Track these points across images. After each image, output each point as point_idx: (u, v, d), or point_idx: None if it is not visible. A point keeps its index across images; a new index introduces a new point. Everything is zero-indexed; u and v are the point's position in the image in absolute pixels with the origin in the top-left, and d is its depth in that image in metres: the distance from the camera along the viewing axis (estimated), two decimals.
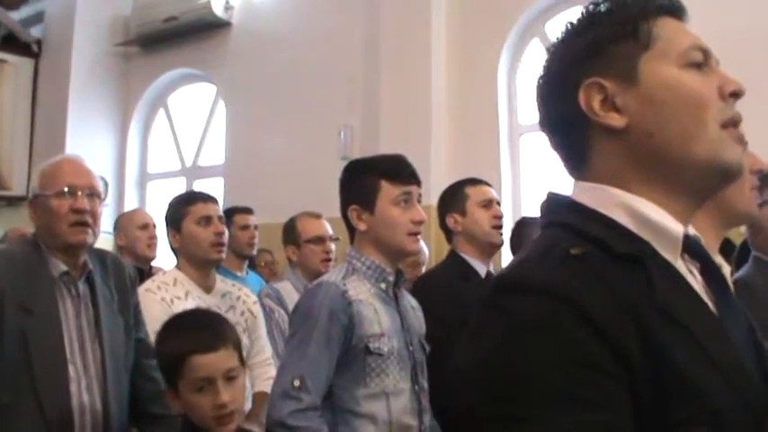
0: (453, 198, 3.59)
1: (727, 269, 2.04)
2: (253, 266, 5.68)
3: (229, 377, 2.31)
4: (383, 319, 2.67)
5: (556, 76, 1.28)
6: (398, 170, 2.77)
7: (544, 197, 1.29)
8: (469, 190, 3.60)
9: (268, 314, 4.04)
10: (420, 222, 2.74)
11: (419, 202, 2.80)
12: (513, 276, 1.14)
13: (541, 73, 1.31)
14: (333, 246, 4.42)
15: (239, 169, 7.61)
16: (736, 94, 1.23)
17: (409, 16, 6.56)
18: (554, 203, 1.28)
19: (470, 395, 1.07)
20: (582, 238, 1.14)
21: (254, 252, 5.36)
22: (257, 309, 3.73)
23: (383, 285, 2.73)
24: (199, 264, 3.56)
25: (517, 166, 6.41)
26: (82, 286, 2.82)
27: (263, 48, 7.53)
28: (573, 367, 1.00)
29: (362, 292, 2.66)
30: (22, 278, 2.70)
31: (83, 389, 2.72)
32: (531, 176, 6.34)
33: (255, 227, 5.16)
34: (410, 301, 2.91)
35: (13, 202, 8.03)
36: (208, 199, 3.66)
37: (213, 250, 3.53)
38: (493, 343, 1.05)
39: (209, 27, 7.91)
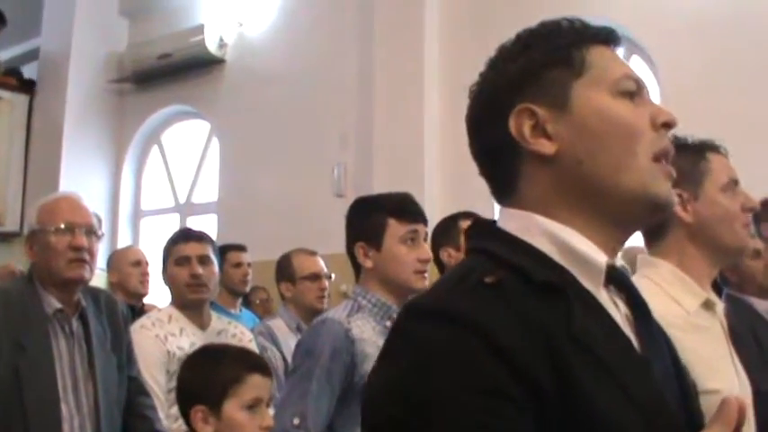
0: (447, 232, 3.52)
1: (720, 307, 2.04)
2: (247, 304, 5.68)
3: (269, 404, 2.41)
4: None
5: (487, 101, 1.25)
6: (406, 208, 2.77)
7: (471, 222, 1.30)
8: (463, 224, 3.49)
9: (261, 352, 4.03)
10: (427, 261, 2.75)
11: (426, 240, 2.81)
12: (423, 303, 1.13)
13: (473, 97, 1.29)
14: (327, 283, 4.42)
15: (233, 206, 7.61)
16: (668, 125, 1.22)
17: (402, 53, 6.61)
18: (478, 229, 1.27)
19: (378, 422, 1.05)
20: (500, 266, 1.11)
21: (248, 289, 5.37)
22: (253, 346, 3.72)
23: (388, 323, 2.71)
24: (182, 303, 3.56)
25: None
26: (75, 324, 2.83)
27: (257, 85, 7.56)
28: (477, 396, 0.98)
29: (366, 331, 2.64)
30: (18, 315, 2.70)
31: (75, 428, 2.71)
32: None
33: (249, 264, 5.16)
34: None
35: (6, 237, 8.01)
36: (189, 238, 3.66)
37: (188, 291, 3.52)
38: (398, 369, 1.04)
39: (203, 64, 7.94)
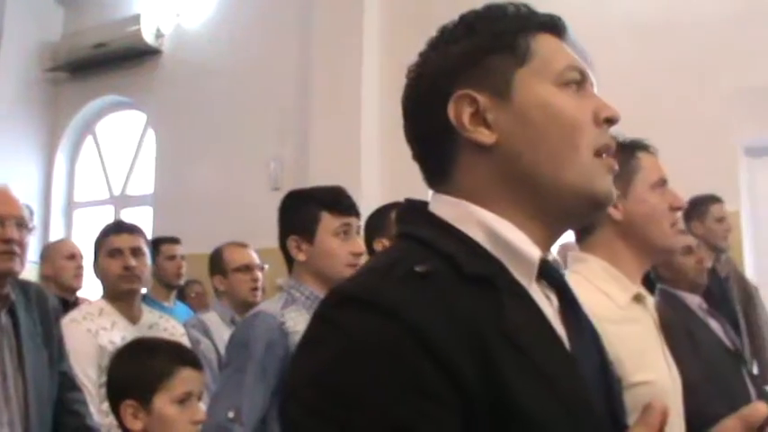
0: (380, 223, 3.42)
1: (650, 301, 2.07)
2: (182, 297, 5.63)
3: (200, 399, 2.37)
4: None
5: (426, 84, 1.20)
6: (339, 201, 2.77)
7: (402, 205, 1.24)
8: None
9: (194, 345, 4.00)
10: (359, 254, 2.74)
11: (358, 233, 2.80)
12: (350, 290, 1.07)
13: (411, 78, 1.24)
14: (260, 274, 4.40)
15: (168, 199, 7.55)
16: (611, 121, 1.19)
17: (342, 49, 6.61)
18: (410, 212, 1.22)
19: (297, 412, 1.01)
20: (432, 254, 1.07)
21: (182, 282, 5.32)
22: (185, 341, 3.68)
23: None
24: (114, 296, 3.52)
25: None
26: (4, 317, 2.77)
27: (194, 77, 7.50)
28: (403, 391, 0.95)
29: (301, 323, 2.62)
30: None
31: (4, 423, 2.66)
32: None
33: (183, 257, 5.12)
34: None
35: None
36: (122, 230, 3.62)
37: (121, 282, 3.49)
38: (325, 359, 1.00)
39: (139, 54, 7.85)
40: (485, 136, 1.15)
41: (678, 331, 3.19)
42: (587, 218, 1.25)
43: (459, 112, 1.16)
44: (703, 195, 4.78)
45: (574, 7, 6.16)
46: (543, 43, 1.19)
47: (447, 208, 1.17)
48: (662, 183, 2.07)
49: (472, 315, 1.01)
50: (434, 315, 0.99)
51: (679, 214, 2.11)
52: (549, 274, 1.19)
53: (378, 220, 3.42)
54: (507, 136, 1.15)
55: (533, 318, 1.11)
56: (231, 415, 2.49)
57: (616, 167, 1.20)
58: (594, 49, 6.00)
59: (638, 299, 2.01)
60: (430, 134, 1.20)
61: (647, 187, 2.04)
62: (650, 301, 2.06)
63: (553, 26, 1.23)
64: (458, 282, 1.04)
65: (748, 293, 4.85)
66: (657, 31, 6.05)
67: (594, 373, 1.20)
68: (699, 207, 4.75)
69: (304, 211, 2.76)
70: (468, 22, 1.21)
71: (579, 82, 1.19)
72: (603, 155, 1.18)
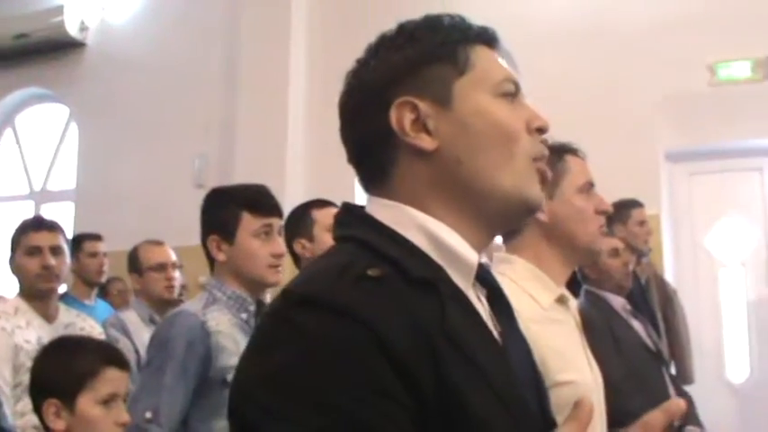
0: (299, 223, 3.37)
1: (573, 302, 2.09)
2: (104, 294, 5.54)
3: (125, 399, 2.33)
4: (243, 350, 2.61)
5: (367, 90, 1.23)
6: (260, 201, 2.72)
7: (341, 208, 1.26)
8: (316, 213, 3.41)
9: (112, 344, 3.93)
10: (280, 255, 2.71)
11: (281, 234, 2.77)
12: (308, 291, 1.07)
13: (351, 84, 1.26)
14: (176, 273, 4.35)
15: (91, 194, 7.41)
16: (542, 130, 1.24)
17: (269, 45, 6.59)
18: (351, 216, 1.24)
19: (253, 413, 1.01)
20: (379, 258, 1.10)
21: (104, 280, 5.23)
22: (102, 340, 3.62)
23: (244, 316, 2.67)
24: (31, 294, 3.43)
25: None
26: None
27: (119, 70, 7.39)
28: (362, 392, 0.97)
29: (223, 323, 2.60)
30: None
31: None
32: None
33: (105, 254, 5.02)
34: None
35: None
36: (41, 227, 3.53)
37: (39, 282, 3.41)
38: (283, 360, 1.00)
39: (62, 47, 7.70)
40: (426, 142, 1.17)
41: (602, 331, 3.25)
42: (519, 222, 1.30)
43: (400, 118, 1.18)
44: (626, 199, 4.87)
45: (503, 14, 6.25)
46: (481, 55, 1.23)
47: (386, 212, 1.19)
48: (589, 186, 2.09)
49: (420, 317, 1.04)
50: (388, 317, 1.01)
51: (604, 218, 2.12)
52: (483, 277, 1.24)
53: (296, 220, 3.36)
54: (447, 142, 1.18)
55: (472, 320, 1.14)
56: (149, 415, 2.45)
57: (549, 174, 1.25)
58: (522, 54, 6.07)
59: (561, 300, 2.03)
60: (370, 139, 1.22)
61: (573, 190, 2.05)
62: (573, 302, 2.08)
63: (489, 38, 1.27)
64: (405, 285, 1.07)
65: (667, 296, 4.96)
66: (585, 39, 6.18)
67: (526, 371, 1.25)
68: (621, 211, 4.83)
69: (224, 210, 2.72)
70: (409, 32, 1.24)
71: (514, 93, 1.23)
72: (536, 162, 1.22)
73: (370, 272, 1.06)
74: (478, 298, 1.22)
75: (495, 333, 1.19)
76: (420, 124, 1.18)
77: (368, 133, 1.22)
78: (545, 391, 1.33)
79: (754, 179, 6.24)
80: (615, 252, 3.70)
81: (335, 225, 1.26)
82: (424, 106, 1.18)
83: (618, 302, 3.60)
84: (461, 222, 1.19)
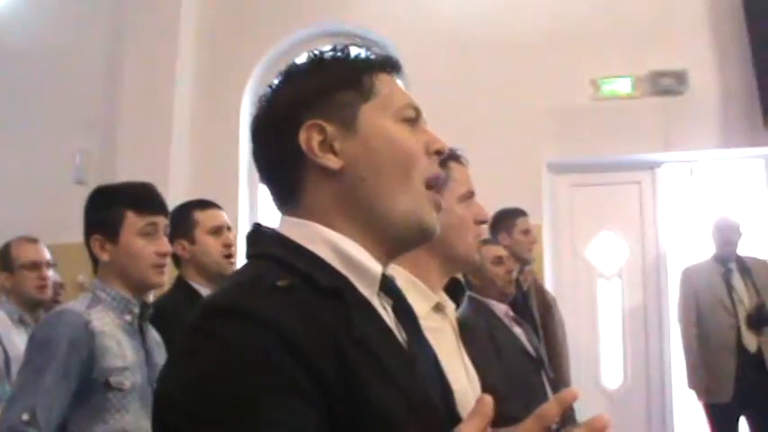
0: (181, 223, 3.27)
1: (451, 307, 2.10)
2: None
3: None
4: (127, 352, 2.53)
5: (278, 113, 1.30)
6: (145, 200, 2.65)
7: (251, 228, 1.32)
8: (199, 215, 3.36)
9: None
10: (165, 254, 2.65)
11: (166, 233, 2.70)
12: (221, 302, 1.15)
13: (263, 107, 1.33)
14: (50, 272, 4.20)
15: None
16: (440, 153, 1.33)
17: (156, 43, 6.50)
18: (261, 235, 1.29)
19: (177, 418, 1.06)
20: (288, 271, 1.16)
21: None
22: None
23: (128, 317, 2.60)
24: None
25: (255, 198, 6.44)
26: None
27: None
28: (276, 393, 1.02)
29: (107, 324, 2.52)
30: None
31: None
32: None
33: None
34: (155, 337, 2.77)
35: None
36: None
37: None
38: (201, 367, 1.06)
39: None
40: (332, 161, 1.25)
41: (482, 337, 3.29)
42: (414, 244, 1.35)
43: (309, 139, 1.26)
44: (510, 208, 4.94)
45: (396, 21, 6.31)
46: (385, 82, 1.33)
47: (295, 229, 1.26)
48: (469, 195, 2.11)
49: (328, 324, 1.11)
50: (299, 323, 1.07)
51: (483, 227, 2.14)
52: (387, 288, 1.31)
53: (178, 220, 3.25)
54: (352, 162, 1.26)
55: (377, 326, 1.22)
56: (26, 417, 2.36)
57: (442, 204, 1.35)
58: (414, 62, 6.18)
59: (438, 308, 2.03)
60: (280, 159, 1.29)
61: (455, 198, 2.06)
62: (451, 309, 2.08)
63: (392, 67, 1.36)
64: (314, 296, 1.14)
65: (547, 304, 5.05)
66: (475, 48, 6.29)
67: (432, 376, 1.34)
68: (506, 219, 4.90)
69: (108, 209, 2.64)
70: (319, 60, 1.33)
71: (414, 118, 1.33)
72: (433, 188, 1.32)
73: (279, 283, 1.13)
74: (384, 307, 1.29)
75: (401, 339, 1.27)
76: (327, 145, 1.26)
77: (278, 153, 1.29)
78: (451, 393, 1.42)
79: (632, 192, 6.45)
80: (499, 260, 3.74)
81: (247, 244, 1.30)
82: (331, 129, 1.26)
83: (500, 309, 3.64)
84: (364, 237, 1.27)
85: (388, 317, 1.28)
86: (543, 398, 3.51)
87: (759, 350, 5.29)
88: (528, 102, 6.19)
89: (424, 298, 1.99)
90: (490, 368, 3.16)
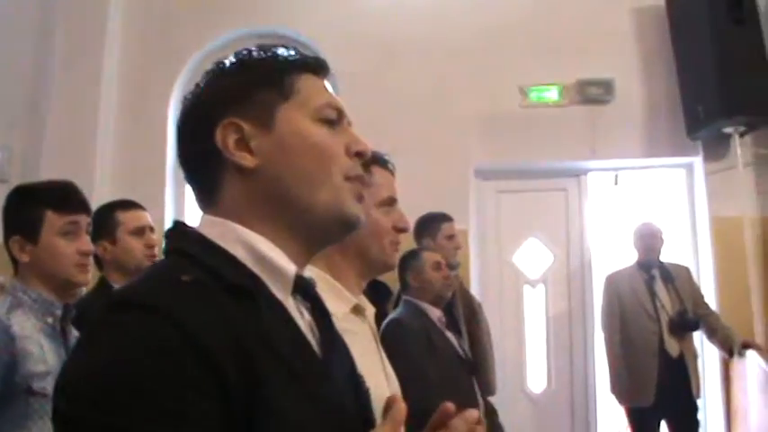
0: (103, 223, 3.24)
1: (371, 310, 2.08)
2: None
3: None
4: (50, 356, 2.47)
5: (198, 112, 1.31)
6: (65, 198, 2.60)
7: (171, 225, 1.32)
8: (121, 215, 3.33)
9: None
10: (87, 253, 2.60)
11: (88, 232, 2.65)
12: (125, 295, 1.16)
13: (185, 107, 1.34)
14: None
15: None
16: (361, 155, 1.35)
17: (83, 42, 6.39)
18: (178, 232, 1.29)
19: (79, 408, 1.04)
20: (197, 267, 1.17)
21: None
22: None
23: (50, 320, 2.54)
24: None
25: (182, 199, 6.39)
26: None
27: None
28: (175, 387, 1.02)
29: (27, 328, 2.45)
30: None
31: None
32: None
33: None
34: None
35: None
36: None
37: None
38: (102, 357, 1.05)
39: None
40: (247, 160, 1.26)
41: (420, 338, 3.32)
42: (337, 237, 1.36)
43: (225, 137, 1.27)
44: (435, 213, 4.96)
45: (324, 24, 6.30)
46: (306, 83, 1.34)
47: (211, 227, 1.26)
48: (390, 201, 2.09)
49: (233, 321, 1.10)
50: (200, 318, 1.07)
51: (402, 235, 2.13)
52: (304, 290, 1.31)
53: (101, 221, 3.21)
54: (268, 161, 1.27)
55: (287, 327, 1.21)
56: None
57: (365, 195, 1.36)
58: (342, 65, 6.19)
59: (356, 310, 2.01)
60: (199, 158, 1.30)
61: (374, 203, 2.04)
62: (370, 312, 2.06)
63: (316, 67, 1.38)
64: (220, 292, 1.14)
65: (473, 309, 5.07)
66: (404, 54, 6.30)
67: (347, 381, 1.34)
68: (430, 224, 4.92)
69: (27, 209, 2.58)
70: (242, 59, 1.34)
71: (336, 119, 1.34)
72: (355, 182, 1.33)
73: (184, 277, 1.13)
74: (299, 310, 1.28)
75: (314, 342, 1.26)
76: (243, 144, 1.27)
77: (197, 152, 1.30)
78: (367, 397, 1.40)
79: (558, 199, 6.52)
80: (438, 265, 3.81)
81: (165, 241, 1.31)
82: (247, 127, 1.27)
83: (435, 314, 3.69)
84: (283, 236, 1.27)
85: (303, 319, 1.28)
86: (474, 401, 3.55)
87: (681, 355, 5.39)
88: (456, 107, 6.23)
89: (341, 300, 1.97)
90: (428, 367, 3.18)
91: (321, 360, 1.24)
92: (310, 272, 1.97)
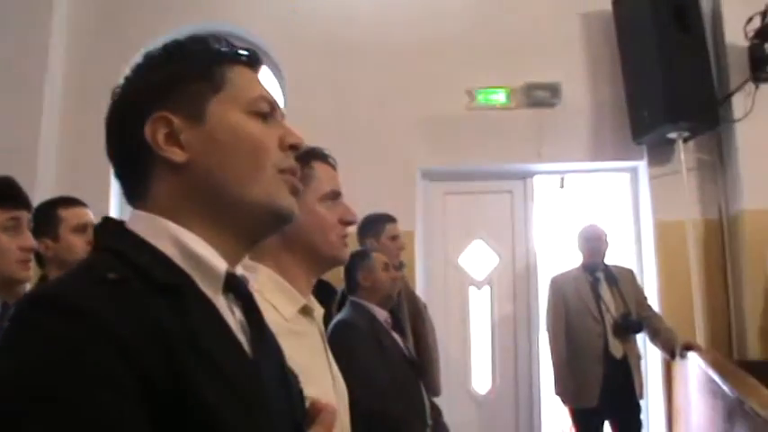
0: (45, 220, 3.15)
1: (319, 311, 2.05)
2: None
3: None
4: None
5: (127, 106, 1.27)
6: (5, 194, 2.55)
7: (99, 221, 1.28)
8: (63, 212, 3.26)
9: None
10: (29, 249, 2.55)
11: (30, 227, 2.59)
12: (47, 294, 1.09)
13: (114, 100, 1.30)
14: None
15: None
16: (295, 147, 1.32)
17: (28, 37, 6.30)
18: (106, 228, 1.26)
19: None
20: (124, 265, 1.13)
21: None
22: None
23: None
24: None
25: None
26: None
27: None
28: (96, 389, 0.98)
29: None
30: None
31: None
32: None
33: None
34: None
35: None
36: None
37: None
38: (17, 361, 1.01)
39: None
40: (177, 155, 1.22)
41: (369, 340, 3.31)
42: (271, 231, 1.33)
43: (154, 131, 1.22)
44: (379, 213, 4.95)
45: (272, 24, 6.26)
46: (238, 74, 1.31)
47: (141, 223, 1.23)
48: (334, 195, 2.07)
49: (160, 321, 1.06)
50: (125, 317, 1.03)
51: (349, 228, 2.11)
52: (237, 288, 1.27)
53: (42, 218, 3.12)
54: (199, 156, 1.23)
55: (217, 327, 1.17)
56: None
57: (299, 186, 1.32)
58: (290, 65, 6.17)
59: (305, 311, 1.99)
60: (129, 152, 1.26)
61: (316, 198, 2.03)
62: (318, 312, 2.04)
63: (249, 59, 1.35)
64: (148, 290, 1.10)
65: (418, 310, 5.06)
66: (353, 55, 6.30)
67: (276, 379, 1.30)
68: (374, 225, 4.91)
69: None
70: (171, 51, 1.30)
71: (269, 112, 1.31)
72: (288, 174, 1.30)
73: (109, 275, 1.08)
74: (230, 308, 1.25)
75: (245, 342, 1.22)
76: (173, 138, 1.23)
77: (126, 147, 1.26)
78: (298, 399, 1.38)
79: (504, 201, 6.54)
80: (386, 266, 3.79)
81: (94, 237, 1.28)
82: (177, 121, 1.23)
83: (382, 315, 3.68)
84: (213, 233, 1.24)
85: (234, 318, 1.25)
86: (420, 402, 3.54)
87: (625, 357, 5.44)
88: (403, 109, 6.24)
89: (290, 300, 1.94)
90: (378, 368, 3.18)
91: (251, 360, 1.21)
92: (260, 271, 1.96)
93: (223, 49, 1.32)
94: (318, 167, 2.07)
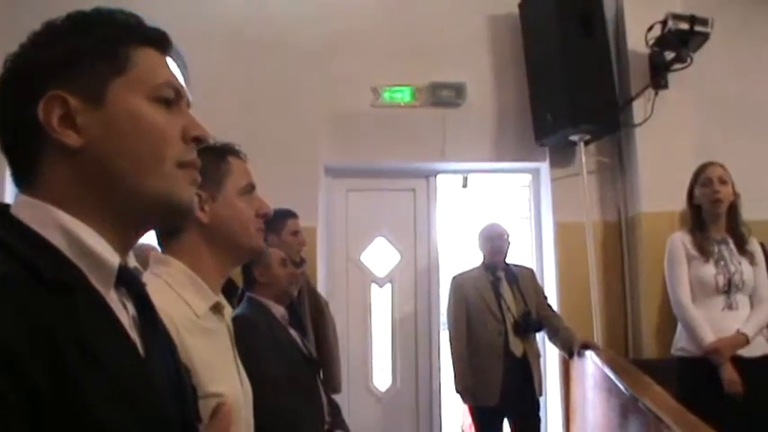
0: None
1: (229, 309, 2.03)
2: None
3: None
4: None
5: (20, 81, 1.16)
6: None
7: None
8: None
9: None
10: None
11: None
12: None
13: (6, 71, 1.18)
14: None
15: None
16: (199, 140, 1.25)
17: None
18: None
19: None
20: (8, 257, 1.03)
21: None
22: None
23: None
24: None
25: None
26: None
27: None
28: None
29: None
30: None
31: None
32: None
33: None
34: None
35: None
36: None
37: None
38: None
39: None
40: (71, 139, 1.14)
41: (265, 334, 3.28)
42: (167, 224, 1.32)
43: (48, 112, 1.13)
44: (280, 209, 4.89)
45: (178, 17, 6.15)
46: (145, 57, 1.22)
47: (29, 210, 1.13)
48: (250, 188, 2.08)
49: (47, 321, 0.98)
50: (5, 320, 0.94)
51: (263, 220, 2.11)
52: (128, 282, 1.20)
53: None
54: (94, 141, 1.15)
55: (108, 325, 1.10)
56: None
57: (198, 179, 1.26)
58: (195, 60, 6.07)
59: (216, 308, 1.96)
60: (18, 131, 1.16)
61: (235, 191, 2.03)
62: (228, 311, 2.02)
63: (158, 41, 1.26)
64: (34, 287, 1.00)
65: (319, 307, 5.04)
66: (258, 51, 6.23)
67: (169, 379, 1.23)
68: (275, 220, 4.83)
69: None
70: (73, 23, 1.19)
71: (174, 99, 1.24)
72: (188, 167, 1.23)
73: None
74: (122, 303, 1.18)
75: (137, 339, 1.17)
76: (68, 120, 1.14)
77: (16, 125, 1.16)
78: (191, 399, 1.33)
79: (407, 199, 6.56)
80: (283, 262, 3.77)
81: None
82: (74, 102, 1.14)
83: (279, 311, 3.65)
84: (104, 222, 1.16)
85: (127, 314, 1.18)
86: (318, 399, 3.53)
87: (524, 355, 5.49)
88: (307, 105, 6.20)
89: (202, 297, 1.92)
90: (273, 362, 3.15)
91: (142, 359, 1.15)
92: (171, 264, 1.93)
93: (131, 25, 1.23)
94: (233, 162, 2.07)
